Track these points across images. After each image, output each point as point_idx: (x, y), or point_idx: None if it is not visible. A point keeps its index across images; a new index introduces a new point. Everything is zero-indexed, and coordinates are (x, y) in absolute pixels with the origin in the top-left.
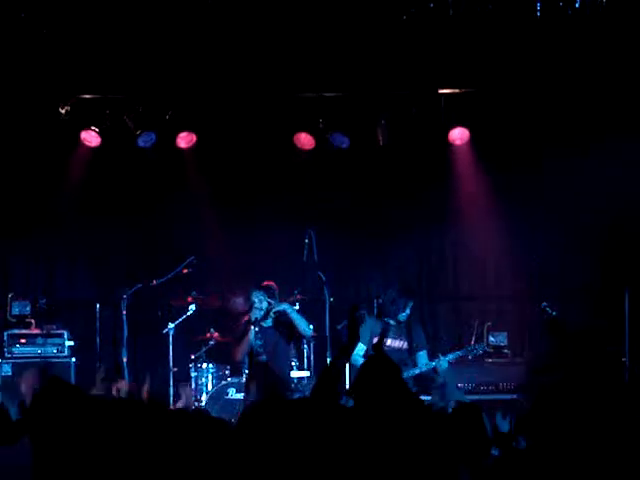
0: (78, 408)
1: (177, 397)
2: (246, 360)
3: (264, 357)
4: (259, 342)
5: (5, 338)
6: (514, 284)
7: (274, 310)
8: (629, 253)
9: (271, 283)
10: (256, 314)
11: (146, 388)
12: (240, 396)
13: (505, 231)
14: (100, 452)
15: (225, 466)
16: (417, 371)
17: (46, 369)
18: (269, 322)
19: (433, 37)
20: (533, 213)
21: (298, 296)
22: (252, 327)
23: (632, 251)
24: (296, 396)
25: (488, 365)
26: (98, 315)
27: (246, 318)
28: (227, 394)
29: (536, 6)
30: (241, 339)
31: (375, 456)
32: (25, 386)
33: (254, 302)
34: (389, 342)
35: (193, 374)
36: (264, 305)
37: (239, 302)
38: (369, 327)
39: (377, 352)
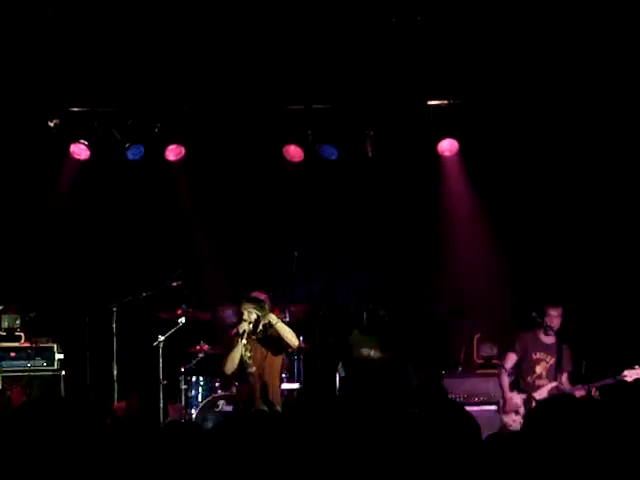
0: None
1: (167, 414)
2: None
3: (253, 369)
4: (248, 354)
5: None
6: (503, 294)
7: (262, 322)
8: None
9: (261, 294)
10: (244, 327)
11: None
12: (230, 408)
13: (493, 241)
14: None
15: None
16: None
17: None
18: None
19: (421, 49)
20: (522, 223)
21: (291, 307)
22: (240, 339)
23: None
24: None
25: (478, 376)
26: (88, 328)
27: (235, 330)
28: (217, 406)
29: (523, 17)
30: (230, 351)
31: None
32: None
33: (243, 314)
34: (372, 353)
35: (183, 387)
36: (253, 317)
37: (228, 314)
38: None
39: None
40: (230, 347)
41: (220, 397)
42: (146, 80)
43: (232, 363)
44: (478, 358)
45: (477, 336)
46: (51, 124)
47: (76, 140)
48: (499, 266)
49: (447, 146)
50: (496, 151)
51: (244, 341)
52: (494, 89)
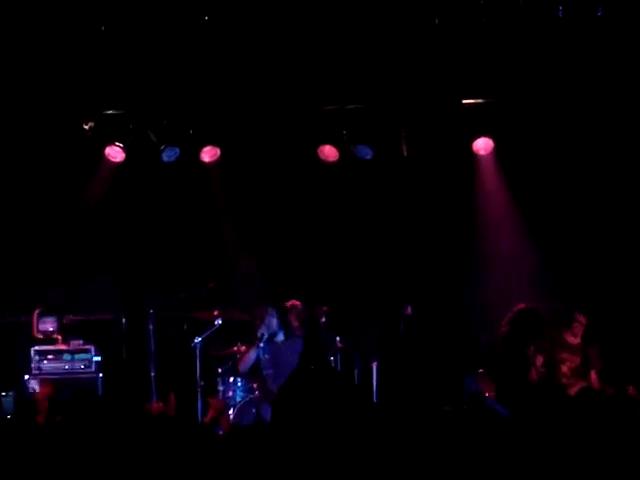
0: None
1: (205, 413)
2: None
3: (271, 371)
4: (267, 356)
5: (32, 354)
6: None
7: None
8: None
9: (296, 303)
10: (263, 330)
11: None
12: (268, 410)
13: (528, 240)
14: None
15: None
16: None
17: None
18: (280, 337)
19: (456, 47)
20: (557, 223)
21: (324, 308)
22: (258, 342)
23: None
24: None
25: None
26: (124, 330)
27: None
28: (255, 408)
29: (559, 14)
30: (247, 352)
31: None
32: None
33: (265, 319)
34: None
35: (220, 387)
36: (274, 323)
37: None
38: None
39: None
40: (247, 348)
41: (258, 398)
42: (181, 82)
43: (246, 364)
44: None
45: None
46: (86, 127)
47: (111, 143)
48: (533, 265)
49: (482, 145)
50: (531, 150)
51: (261, 344)
52: (529, 87)
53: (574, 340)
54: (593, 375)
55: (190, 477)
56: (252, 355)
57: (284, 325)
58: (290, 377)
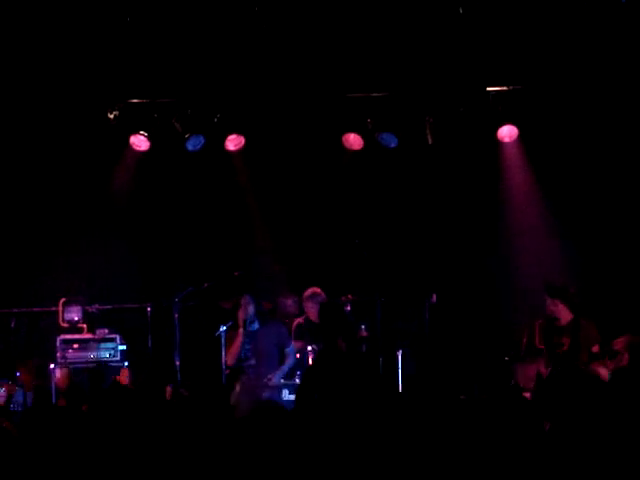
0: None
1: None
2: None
3: (253, 361)
4: (247, 346)
5: (58, 343)
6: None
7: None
8: None
9: (316, 290)
10: (244, 316)
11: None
12: (293, 397)
13: (553, 228)
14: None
15: None
16: None
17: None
18: (255, 325)
19: (481, 34)
20: (583, 210)
21: (349, 296)
22: (244, 328)
23: None
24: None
25: None
26: (150, 319)
27: (296, 321)
28: (282, 395)
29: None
30: (235, 343)
31: None
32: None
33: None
34: None
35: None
36: (250, 309)
37: (290, 304)
38: None
39: None
40: (230, 339)
41: (283, 386)
42: (206, 70)
43: (233, 355)
44: (540, 344)
45: (539, 322)
46: (111, 116)
47: (136, 131)
48: (558, 252)
49: (507, 132)
50: (556, 137)
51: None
52: (554, 74)
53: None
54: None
55: (218, 460)
56: (240, 344)
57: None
58: (316, 359)
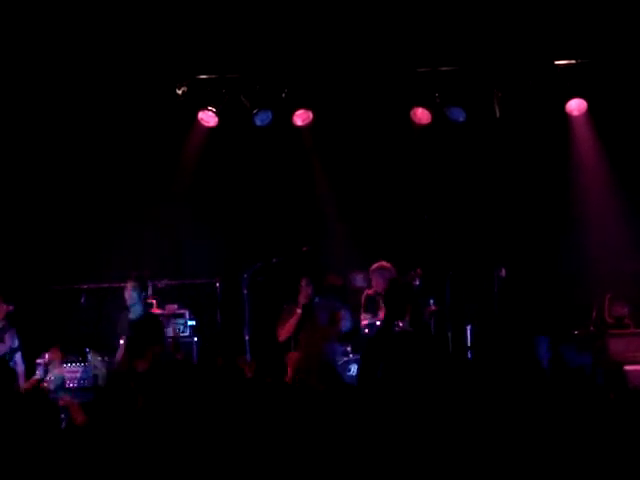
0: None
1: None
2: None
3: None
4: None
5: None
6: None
7: None
8: None
9: (383, 263)
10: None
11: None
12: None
13: (622, 201)
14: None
15: None
16: None
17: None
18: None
19: (549, 7)
20: None
21: (418, 271)
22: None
23: None
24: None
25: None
26: (219, 294)
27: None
28: (349, 370)
29: None
30: (286, 321)
31: None
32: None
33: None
34: None
35: None
36: (309, 290)
37: (359, 279)
38: None
39: None
40: (286, 317)
41: (352, 361)
42: (274, 46)
43: (286, 332)
44: (610, 317)
45: (608, 295)
46: (179, 92)
47: (204, 107)
48: (628, 226)
49: (575, 106)
50: (625, 110)
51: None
52: (623, 47)
53: None
54: None
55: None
56: (293, 324)
57: None
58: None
